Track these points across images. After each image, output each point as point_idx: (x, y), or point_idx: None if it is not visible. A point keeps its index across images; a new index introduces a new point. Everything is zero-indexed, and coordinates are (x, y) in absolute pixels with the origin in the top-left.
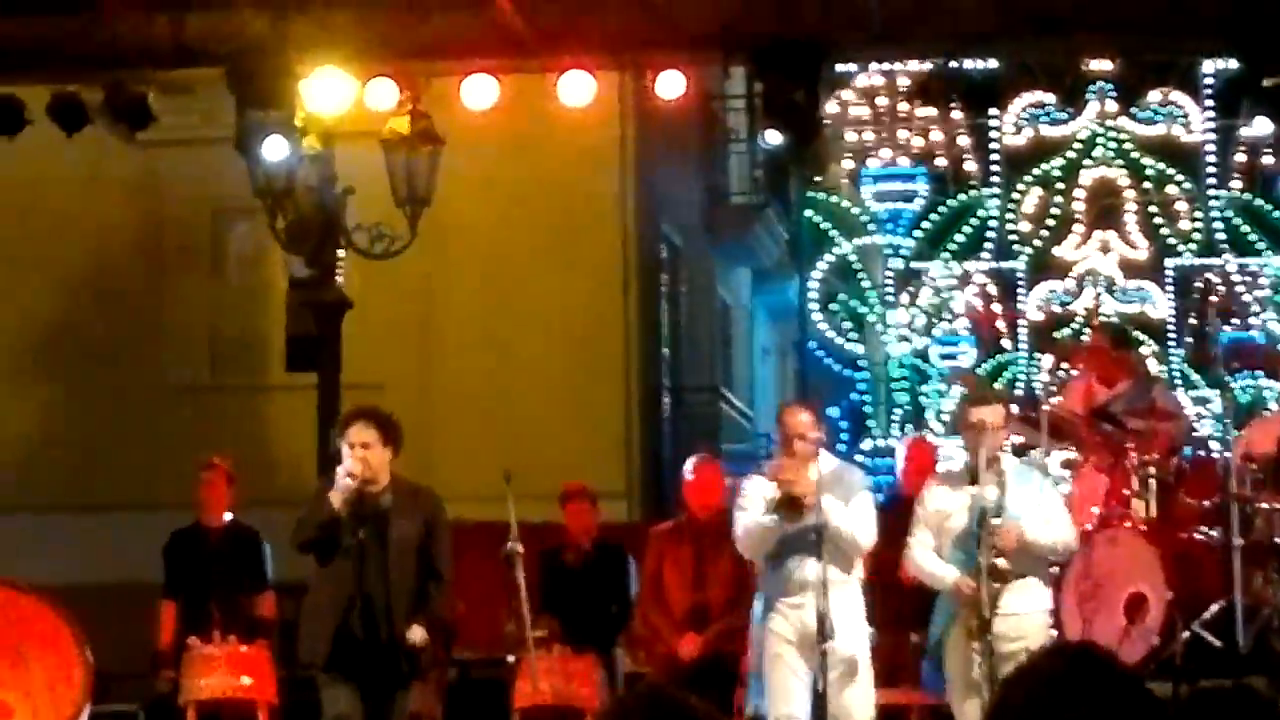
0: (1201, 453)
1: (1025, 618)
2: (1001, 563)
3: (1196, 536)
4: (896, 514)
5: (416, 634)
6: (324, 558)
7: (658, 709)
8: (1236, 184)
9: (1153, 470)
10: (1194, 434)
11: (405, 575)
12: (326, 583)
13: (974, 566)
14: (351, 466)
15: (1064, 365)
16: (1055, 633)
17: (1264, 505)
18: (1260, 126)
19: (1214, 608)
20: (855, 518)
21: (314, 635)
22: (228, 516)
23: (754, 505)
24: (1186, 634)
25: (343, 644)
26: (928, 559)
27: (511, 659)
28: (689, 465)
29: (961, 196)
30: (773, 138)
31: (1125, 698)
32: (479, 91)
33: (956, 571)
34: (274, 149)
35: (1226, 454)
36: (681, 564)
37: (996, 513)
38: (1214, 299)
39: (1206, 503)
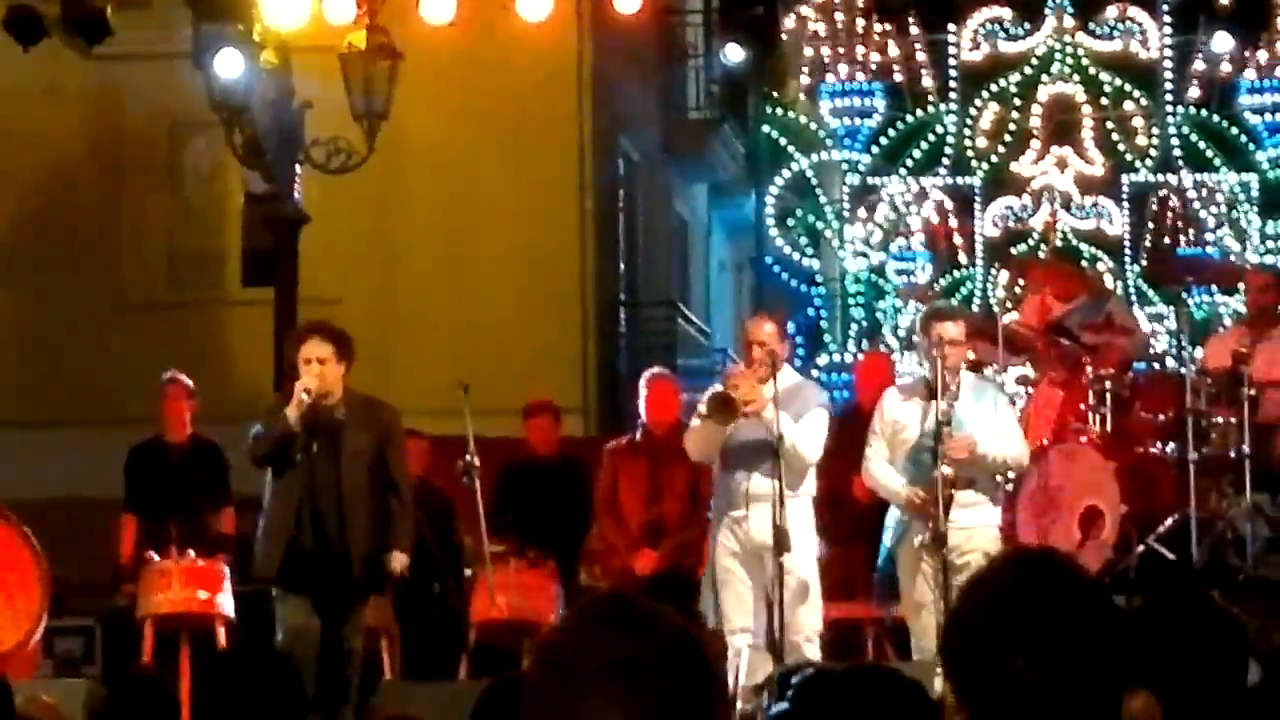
0: (1157, 367)
1: (976, 530)
2: (948, 470)
3: (1151, 451)
4: (852, 428)
5: (397, 563)
6: (280, 471)
7: (620, 614)
8: (1193, 100)
9: (1108, 385)
10: (1151, 349)
11: (358, 487)
12: (279, 497)
13: (924, 479)
14: (307, 381)
15: (1020, 281)
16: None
17: (1219, 420)
18: (1220, 43)
19: (1168, 522)
20: (803, 431)
21: (267, 550)
22: (189, 432)
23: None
24: (1141, 548)
25: (295, 557)
26: (881, 470)
27: (469, 573)
28: (643, 380)
29: (919, 112)
30: (732, 53)
31: (1087, 604)
32: (437, 6)
33: (905, 482)
34: (231, 63)
35: (1182, 369)
36: (636, 479)
37: (948, 421)
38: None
39: (1161, 417)
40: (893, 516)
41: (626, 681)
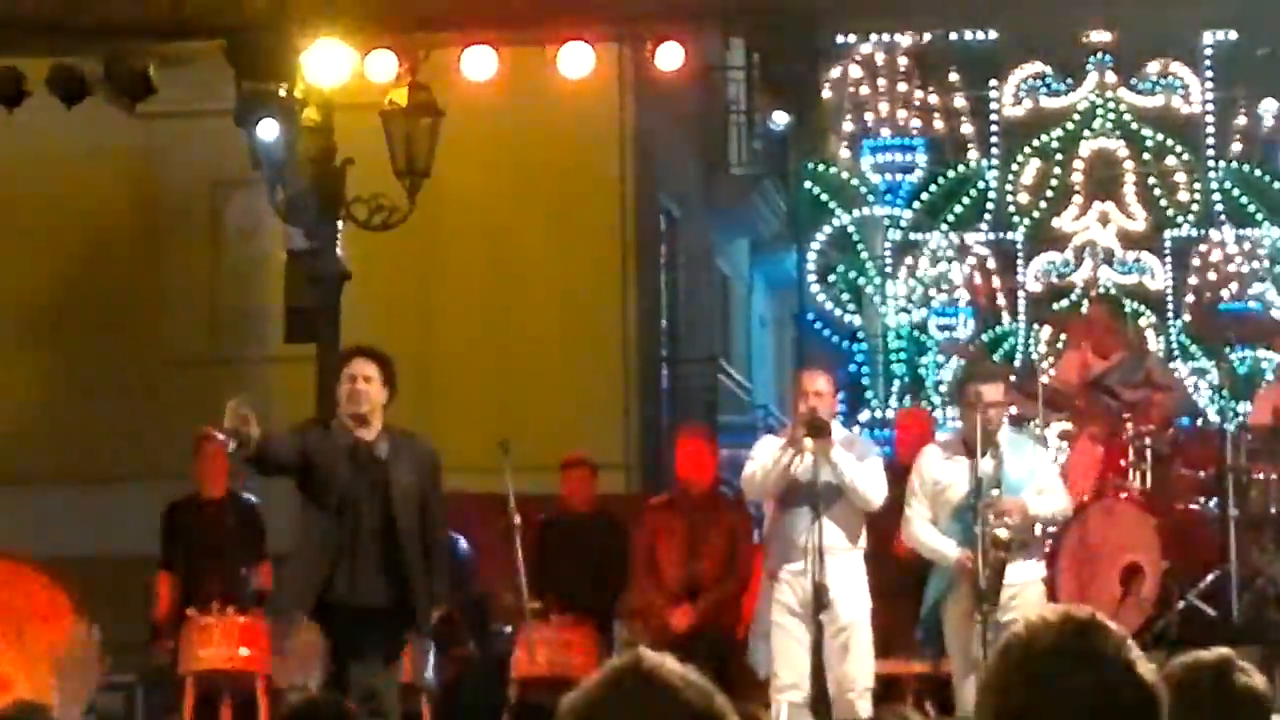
0: (1200, 423)
1: (1023, 588)
2: (1003, 534)
3: (1192, 507)
4: (893, 485)
5: (438, 610)
6: (319, 504)
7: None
8: (1235, 155)
9: (1148, 441)
10: (1191, 406)
11: (409, 528)
12: (319, 531)
13: (972, 539)
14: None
15: (1062, 336)
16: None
17: (1260, 476)
18: (1266, 106)
19: (1209, 578)
20: (868, 473)
21: (300, 581)
22: (226, 488)
23: (763, 454)
24: (1182, 604)
25: (336, 600)
26: (926, 532)
27: (509, 630)
28: (679, 438)
29: (960, 168)
30: (778, 118)
31: (1121, 667)
32: (478, 63)
33: (956, 546)
34: (272, 122)
35: (1223, 425)
36: (674, 537)
37: (995, 484)
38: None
39: (1202, 473)
40: (936, 571)
41: None
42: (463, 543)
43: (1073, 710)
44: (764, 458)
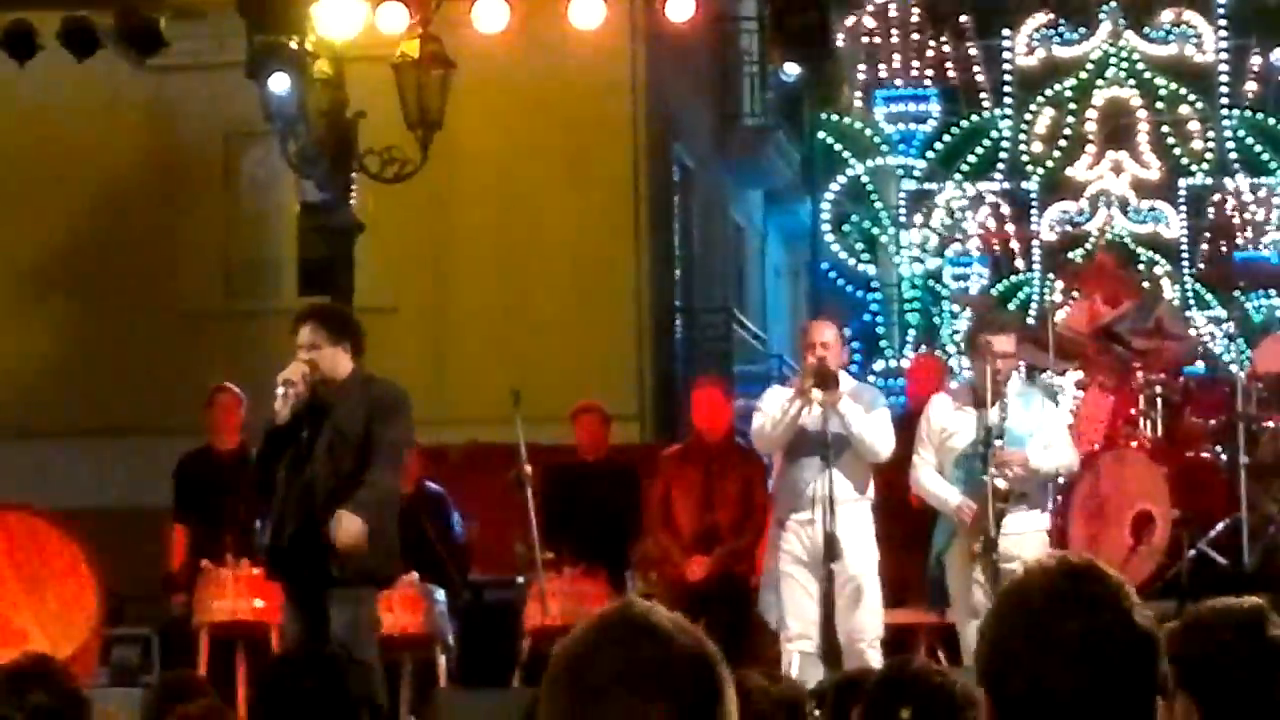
0: (1215, 372)
1: (1025, 536)
2: (1001, 484)
3: (1203, 455)
4: (906, 434)
5: (339, 530)
6: (278, 463)
7: (633, 624)
8: (1249, 103)
9: (1159, 389)
10: (1204, 353)
11: (337, 470)
12: (276, 490)
13: (975, 488)
14: (289, 373)
15: (1074, 288)
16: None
17: (1270, 424)
18: (1278, 55)
19: (1220, 526)
20: (875, 424)
21: (262, 542)
22: (239, 440)
23: (771, 406)
24: (1192, 552)
25: (278, 550)
26: (931, 479)
27: (522, 580)
28: (694, 388)
29: (974, 117)
30: (790, 69)
31: (1121, 615)
32: (490, 14)
33: (958, 494)
34: (284, 74)
35: (1234, 373)
36: (689, 486)
37: (999, 435)
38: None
39: (1212, 421)
40: (942, 521)
41: (637, 691)
42: (433, 487)
43: (1065, 655)
44: (772, 409)
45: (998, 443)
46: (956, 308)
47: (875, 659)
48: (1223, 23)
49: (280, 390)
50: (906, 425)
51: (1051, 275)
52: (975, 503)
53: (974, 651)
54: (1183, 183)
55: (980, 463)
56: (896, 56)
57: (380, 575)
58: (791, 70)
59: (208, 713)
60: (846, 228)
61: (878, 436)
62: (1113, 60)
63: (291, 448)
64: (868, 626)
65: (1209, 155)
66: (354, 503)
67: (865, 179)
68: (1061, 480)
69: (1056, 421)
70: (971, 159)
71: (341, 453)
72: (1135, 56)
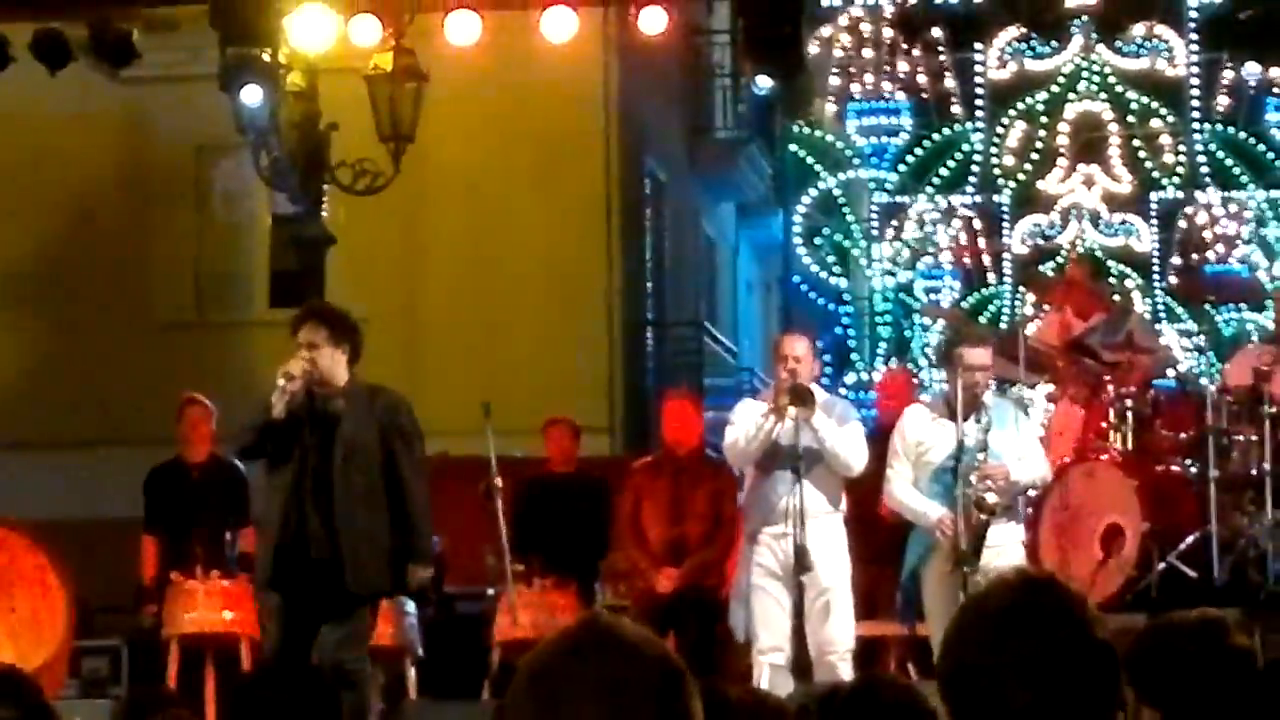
0: (1185, 385)
1: (1003, 549)
2: (991, 498)
3: (1173, 469)
4: (877, 448)
5: (416, 578)
6: (272, 466)
7: (601, 638)
8: (1220, 117)
9: (1129, 403)
10: (1174, 367)
11: (357, 486)
12: (269, 494)
13: (952, 501)
14: (291, 367)
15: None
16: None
17: (1240, 437)
18: (1249, 69)
19: (1190, 539)
20: (848, 439)
21: (262, 550)
22: (209, 452)
23: (744, 420)
24: (1162, 565)
25: (283, 560)
26: (908, 494)
27: (492, 592)
28: (665, 400)
29: (946, 131)
30: (762, 82)
31: (1080, 629)
32: (462, 27)
33: (939, 507)
34: (257, 87)
35: (1204, 386)
36: (659, 499)
37: (982, 448)
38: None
39: (1183, 435)
40: (916, 535)
41: (607, 705)
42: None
43: (1024, 668)
44: (745, 424)
45: (980, 456)
46: (928, 320)
47: (846, 671)
48: (1194, 37)
49: (280, 383)
50: (878, 439)
51: (1022, 288)
52: (957, 516)
53: (935, 664)
54: (1154, 196)
55: (953, 476)
56: (869, 69)
57: (381, 593)
58: (764, 83)
59: None
60: (818, 241)
61: (851, 451)
62: (1084, 74)
63: (295, 450)
64: (839, 639)
65: (1180, 169)
66: (419, 553)
67: (837, 192)
68: (1033, 493)
69: (1030, 434)
70: (943, 172)
71: (357, 469)
72: (1107, 70)
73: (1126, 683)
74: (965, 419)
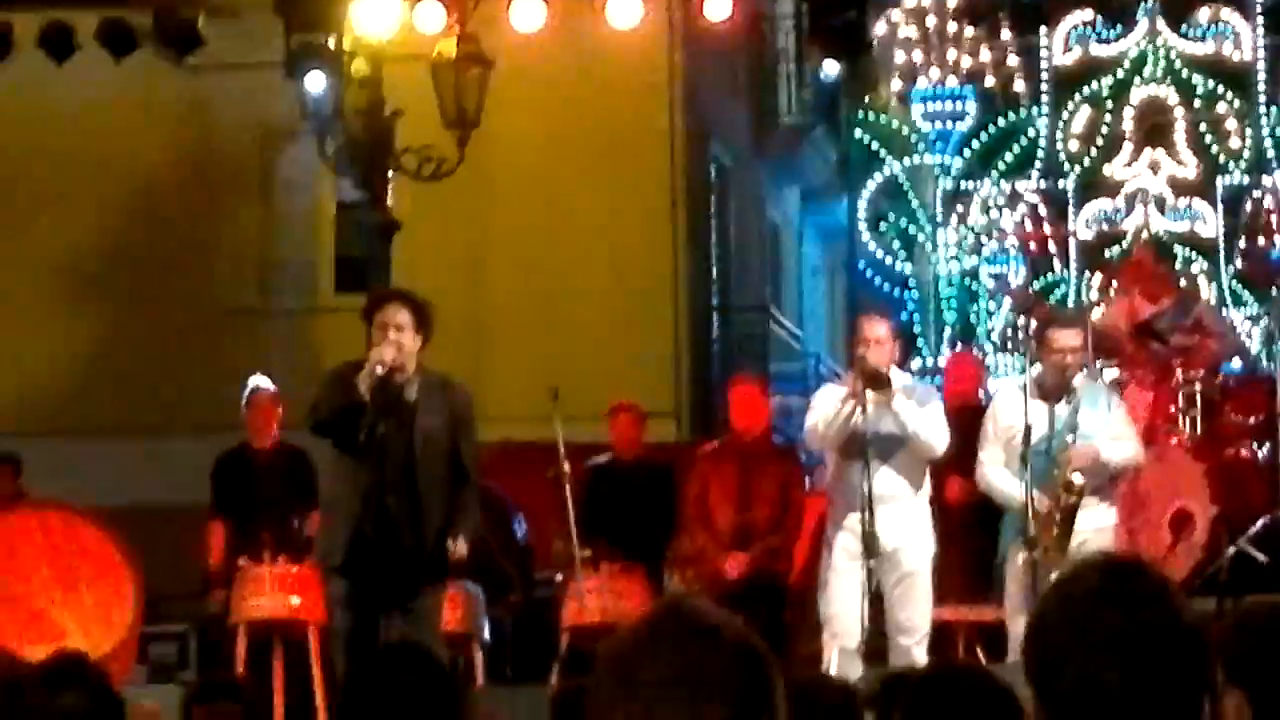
0: (1249, 370)
1: (1095, 535)
2: (1078, 479)
3: (1242, 453)
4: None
5: (461, 547)
6: (344, 450)
7: (684, 623)
8: None
9: (1198, 387)
10: (1243, 351)
11: (433, 477)
12: (345, 480)
13: (1039, 483)
14: (383, 352)
15: (1112, 284)
16: None
17: None
18: None
19: (1259, 524)
20: (929, 420)
21: (332, 533)
22: (275, 437)
23: (824, 405)
24: (1232, 550)
25: (360, 546)
26: (999, 476)
27: (560, 578)
28: (731, 386)
29: (1010, 116)
30: (829, 68)
31: (1169, 611)
32: (527, 13)
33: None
34: (322, 73)
35: (1274, 371)
36: (726, 483)
37: (1071, 430)
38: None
39: (1252, 419)
40: (1010, 519)
41: (692, 692)
42: (494, 492)
43: (1111, 650)
44: (825, 409)
45: (1068, 438)
46: (993, 303)
47: (920, 656)
48: (1260, 20)
49: (377, 369)
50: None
51: (1088, 274)
52: (1048, 498)
53: (1021, 648)
54: (1220, 181)
55: (1045, 462)
56: (934, 55)
57: (455, 573)
58: (830, 69)
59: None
60: (883, 226)
61: (933, 433)
62: (1150, 58)
63: (371, 436)
64: (918, 623)
65: (1246, 153)
66: (462, 523)
67: (902, 177)
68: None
69: (1121, 417)
70: (1008, 157)
71: (433, 462)
72: (1173, 54)
73: (1216, 665)
74: (1056, 401)
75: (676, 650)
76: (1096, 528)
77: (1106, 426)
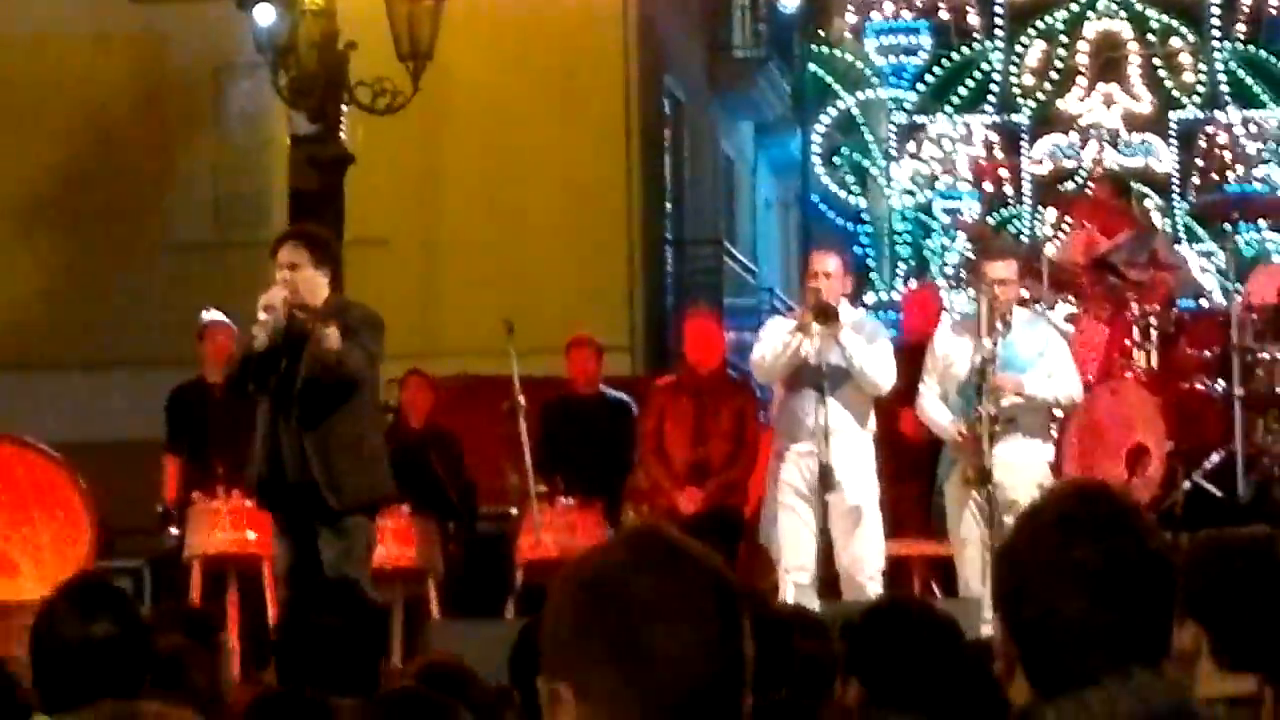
0: (1203, 304)
1: (1024, 467)
2: (990, 409)
3: (1197, 387)
4: (900, 365)
5: (331, 335)
6: (258, 392)
7: (660, 543)
8: (1240, 36)
9: (1153, 321)
10: (1197, 285)
11: (321, 402)
12: (259, 419)
13: (971, 414)
14: (270, 297)
15: (1067, 218)
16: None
17: (1265, 355)
18: None
19: (1214, 458)
20: (876, 356)
21: (248, 473)
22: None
23: (772, 337)
24: (1187, 484)
25: (268, 481)
26: (934, 408)
27: (515, 512)
28: (686, 319)
29: (965, 50)
30: (786, 1)
31: (1136, 537)
32: None
33: (952, 418)
34: (275, 6)
35: (1230, 304)
36: (681, 418)
37: (992, 359)
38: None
39: (1207, 353)
40: (946, 451)
41: (682, 610)
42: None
43: (1080, 578)
44: (772, 341)
45: (991, 368)
46: (947, 241)
47: (875, 590)
48: None
49: (261, 316)
50: (903, 356)
51: (1042, 208)
52: (969, 429)
53: (990, 574)
54: (1173, 116)
55: (975, 391)
56: None
57: (372, 502)
58: (787, 2)
59: (186, 650)
60: (837, 160)
61: (879, 369)
62: None
63: (273, 377)
64: (868, 558)
65: (1200, 88)
66: (330, 340)
67: (856, 111)
68: (1059, 413)
69: (1061, 352)
70: (962, 92)
71: (324, 385)
72: None
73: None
74: (989, 333)
75: (665, 570)
76: (1027, 461)
77: (1044, 361)
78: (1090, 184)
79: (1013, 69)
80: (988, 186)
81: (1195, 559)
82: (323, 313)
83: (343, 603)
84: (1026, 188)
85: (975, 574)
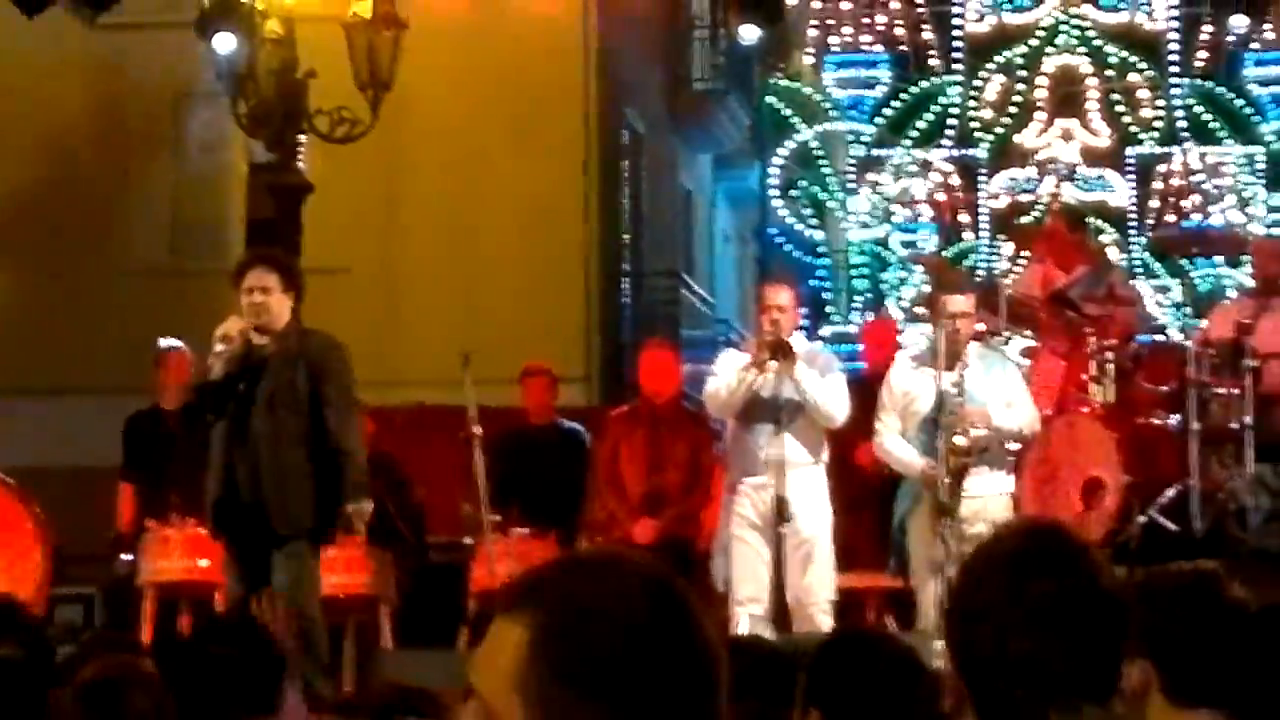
0: (1160, 339)
1: (988, 499)
2: (962, 441)
3: (1154, 421)
4: (857, 397)
5: (354, 517)
6: (215, 418)
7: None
8: (1199, 72)
9: (1110, 356)
10: (1153, 321)
11: (278, 424)
12: (214, 440)
13: (940, 448)
14: (227, 328)
15: (1024, 252)
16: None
17: (1221, 390)
18: (1236, 21)
19: (1170, 492)
20: (830, 390)
21: (206, 504)
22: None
23: (725, 371)
24: (1143, 518)
25: (221, 509)
26: (896, 444)
27: (469, 542)
28: (643, 350)
29: (923, 83)
30: (747, 33)
31: (1087, 577)
32: None
33: (920, 456)
34: (235, 34)
35: (1185, 340)
36: (637, 448)
37: (958, 396)
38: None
39: (1164, 388)
40: (905, 486)
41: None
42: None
43: (1032, 615)
44: (727, 375)
45: (957, 400)
46: (904, 273)
47: (826, 623)
48: None
49: (218, 347)
50: (859, 390)
51: (1000, 240)
52: (941, 462)
53: (943, 609)
54: (1131, 151)
55: (935, 426)
56: (847, 21)
57: (322, 531)
58: (746, 35)
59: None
60: (795, 193)
61: (833, 402)
62: (1063, 27)
63: (231, 403)
64: (819, 590)
65: (1158, 124)
66: (352, 488)
67: (814, 144)
68: (1014, 445)
69: (1017, 383)
70: (921, 125)
71: (283, 408)
72: (1086, 24)
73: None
74: (949, 368)
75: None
76: (992, 493)
77: (1001, 392)
78: (1047, 218)
79: (971, 103)
80: (945, 219)
81: (1145, 594)
82: (280, 335)
83: (241, 635)
84: (984, 221)
85: (934, 607)
